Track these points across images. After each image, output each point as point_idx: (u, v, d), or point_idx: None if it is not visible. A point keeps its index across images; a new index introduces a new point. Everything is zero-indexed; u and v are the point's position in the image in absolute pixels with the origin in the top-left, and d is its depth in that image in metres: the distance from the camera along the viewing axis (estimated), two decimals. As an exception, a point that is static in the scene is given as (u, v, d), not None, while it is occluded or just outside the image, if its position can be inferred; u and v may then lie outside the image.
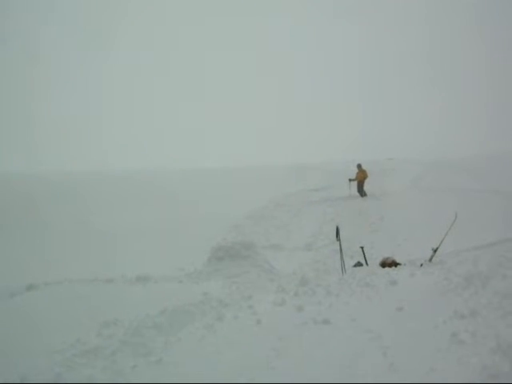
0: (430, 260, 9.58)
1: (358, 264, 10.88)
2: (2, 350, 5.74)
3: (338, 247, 11.19)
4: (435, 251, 9.72)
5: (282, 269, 11.04)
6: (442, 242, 9.83)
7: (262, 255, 10.90)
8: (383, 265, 9.91)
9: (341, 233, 11.31)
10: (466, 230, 11.93)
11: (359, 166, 24.60)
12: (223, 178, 32.11)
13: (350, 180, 24.37)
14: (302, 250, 14.53)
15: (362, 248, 11.22)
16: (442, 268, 8.39)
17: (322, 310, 6.36)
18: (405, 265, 9.87)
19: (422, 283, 7.41)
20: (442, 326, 5.21)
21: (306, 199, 23.69)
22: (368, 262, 10.91)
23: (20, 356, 5.45)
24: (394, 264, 9.88)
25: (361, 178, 24.22)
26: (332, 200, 23.07)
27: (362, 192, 23.91)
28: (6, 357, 5.50)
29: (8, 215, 19.43)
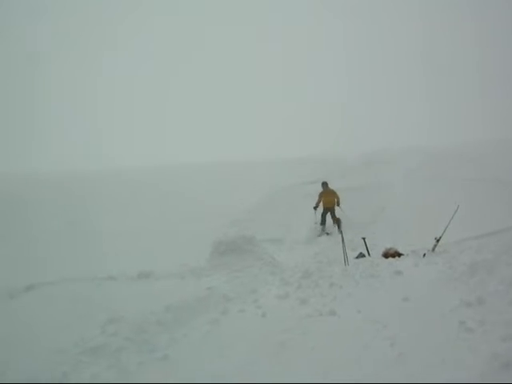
0: (433, 250, 9.54)
1: (361, 255, 10.85)
2: (6, 351, 5.68)
3: (339, 239, 11.16)
4: (438, 241, 9.68)
5: (284, 262, 10.99)
6: (444, 231, 9.79)
7: (263, 249, 10.84)
8: (386, 255, 9.88)
9: (341, 225, 11.30)
10: (468, 219, 11.87)
11: (324, 184, 18.24)
12: (218, 173, 32.00)
13: (314, 208, 17.60)
14: (302, 242, 14.48)
15: (363, 239, 11.18)
16: (445, 257, 8.37)
17: (327, 302, 6.33)
18: (407, 255, 9.83)
19: (426, 273, 7.38)
20: (449, 315, 5.18)
21: (304, 192, 23.58)
22: (370, 253, 10.88)
23: (25, 357, 5.39)
24: (397, 254, 9.86)
25: (327, 202, 17.54)
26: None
27: (324, 217, 17.22)
28: (10, 358, 5.44)
29: (4, 216, 19.36)
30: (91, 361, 5.16)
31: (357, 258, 10.68)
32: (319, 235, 16.47)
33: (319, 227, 17.02)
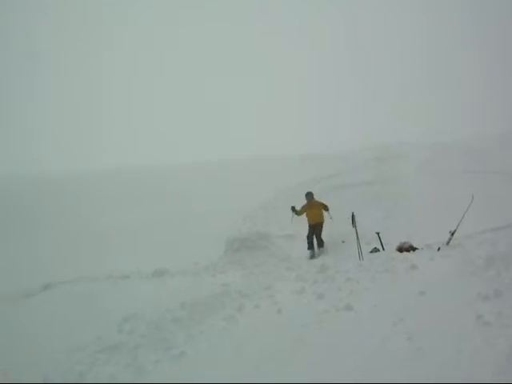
0: (448, 243, 9.49)
1: (375, 250, 10.84)
2: (23, 350, 5.73)
3: (353, 234, 11.15)
4: (452, 234, 9.63)
5: (298, 257, 11.00)
6: (458, 224, 9.74)
7: (277, 245, 10.87)
8: (400, 250, 9.83)
9: (355, 219, 11.28)
10: (482, 212, 11.80)
11: (309, 195, 14.37)
12: (230, 170, 32.00)
13: (292, 210, 14.23)
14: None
15: (377, 234, 11.15)
16: (461, 251, 8.31)
17: (343, 297, 6.31)
18: (422, 249, 9.80)
19: (442, 266, 7.34)
20: (466, 309, 5.14)
21: (317, 187, 23.50)
22: (385, 248, 10.85)
23: (41, 356, 5.44)
24: (412, 248, 9.82)
25: (313, 217, 13.90)
26: (343, 187, 22.91)
27: (311, 239, 13.58)
28: (27, 357, 5.49)
29: (16, 217, 19.51)
30: (108, 359, 5.19)
31: (371, 252, 10.68)
32: (309, 257, 12.88)
33: (307, 252, 13.30)
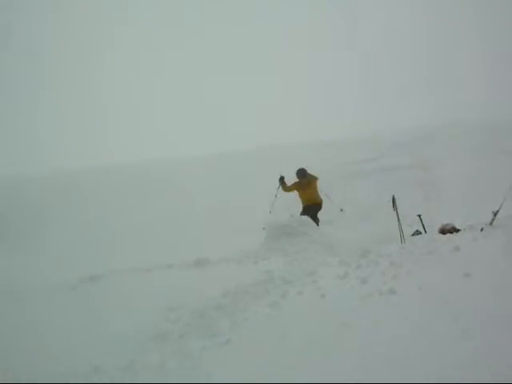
0: (491, 224, 9.36)
1: (417, 232, 10.77)
2: (72, 341, 5.83)
3: (394, 217, 11.07)
4: (495, 214, 9.49)
5: (340, 242, 10.95)
6: (502, 204, 9.61)
7: (319, 230, 10.83)
8: (443, 231, 9.75)
9: (396, 202, 11.20)
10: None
11: (301, 172, 12.61)
12: (258, 160, 32.05)
13: (280, 182, 12.82)
14: (358, 222, 14.34)
15: (419, 216, 11.08)
16: (504, 231, 8.19)
17: (387, 281, 6.27)
18: (465, 230, 9.69)
19: (486, 247, 7.26)
20: (513, 289, 5.08)
21: (354, 171, 23.45)
22: (426, 230, 10.77)
23: (91, 345, 5.52)
24: (454, 230, 9.72)
25: (307, 198, 12.38)
26: (381, 170, 22.80)
27: (305, 213, 12.01)
28: (77, 347, 5.58)
29: (61, 209, 19.90)
30: (156, 347, 5.27)
31: (413, 235, 10.61)
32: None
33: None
